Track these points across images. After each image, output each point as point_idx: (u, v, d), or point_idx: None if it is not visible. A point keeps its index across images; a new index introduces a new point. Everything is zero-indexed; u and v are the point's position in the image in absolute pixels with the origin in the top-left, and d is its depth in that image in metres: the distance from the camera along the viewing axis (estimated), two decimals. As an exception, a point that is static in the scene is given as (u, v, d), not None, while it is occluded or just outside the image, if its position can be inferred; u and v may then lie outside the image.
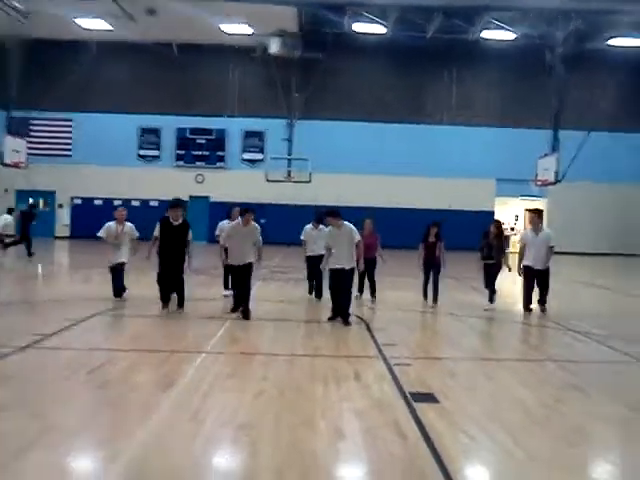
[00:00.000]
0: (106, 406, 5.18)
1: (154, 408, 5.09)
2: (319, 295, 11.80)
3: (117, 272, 10.92)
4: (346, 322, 9.27)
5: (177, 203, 9.99)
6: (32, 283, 10.27)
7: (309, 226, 11.97)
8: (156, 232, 9.80)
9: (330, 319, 9.53)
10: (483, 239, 11.29)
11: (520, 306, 11.16)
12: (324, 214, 10.11)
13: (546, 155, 25.36)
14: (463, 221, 28.12)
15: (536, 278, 10.94)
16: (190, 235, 9.96)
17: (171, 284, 9.80)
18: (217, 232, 11.47)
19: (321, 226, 11.71)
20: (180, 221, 9.81)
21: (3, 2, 21.41)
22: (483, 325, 10.18)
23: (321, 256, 11.51)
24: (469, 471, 4.25)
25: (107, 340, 8.08)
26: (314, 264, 11.53)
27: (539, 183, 26.27)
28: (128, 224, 11.07)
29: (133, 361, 6.77)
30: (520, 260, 11.05)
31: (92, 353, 7.11)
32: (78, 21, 25.66)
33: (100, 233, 10.97)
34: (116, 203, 28.57)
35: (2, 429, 4.51)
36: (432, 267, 11.52)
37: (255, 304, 9.96)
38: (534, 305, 11.01)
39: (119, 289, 10.92)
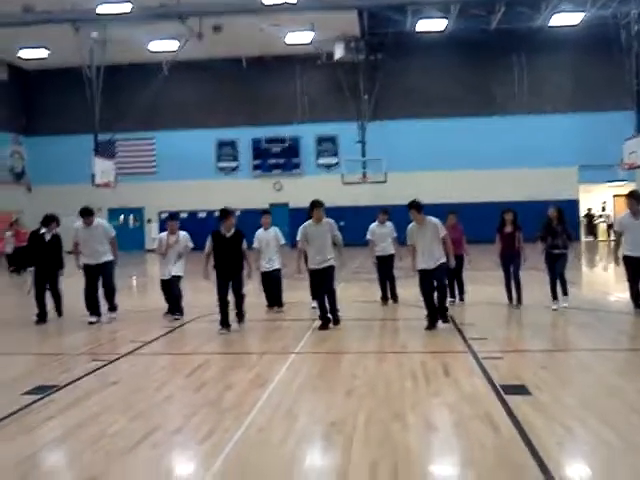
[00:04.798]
0: (204, 406, 5.43)
1: (249, 407, 5.29)
2: (395, 298, 11.13)
3: (166, 286, 10.32)
4: (445, 320, 8.65)
5: (227, 213, 8.98)
6: (127, 295, 10.87)
7: (374, 224, 11.10)
8: (207, 248, 8.96)
9: (428, 328, 8.60)
10: (544, 228, 10.11)
11: (614, 297, 10.68)
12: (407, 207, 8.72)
13: (632, 137, 24.19)
14: (545, 211, 27.17)
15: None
16: (245, 245, 9.09)
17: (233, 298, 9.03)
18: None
19: (388, 223, 11.09)
20: (232, 232, 8.97)
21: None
22: (575, 316, 9.79)
23: (391, 255, 11.02)
24: (565, 461, 4.16)
25: (201, 345, 8.39)
26: (384, 264, 11.00)
27: (626, 167, 25.10)
28: (182, 234, 10.30)
29: (227, 363, 7.06)
30: (616, 249, 9.89)
31: (188, 357, 7.47)
32: (149, 45, 26.84)
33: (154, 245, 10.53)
34: (200, 215, 29.65)
35: (110, 430, 4.83)
36: (511, 261, 10.24)
37: (339, 305, 10.01)
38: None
39: (170, 304, 10.24)
